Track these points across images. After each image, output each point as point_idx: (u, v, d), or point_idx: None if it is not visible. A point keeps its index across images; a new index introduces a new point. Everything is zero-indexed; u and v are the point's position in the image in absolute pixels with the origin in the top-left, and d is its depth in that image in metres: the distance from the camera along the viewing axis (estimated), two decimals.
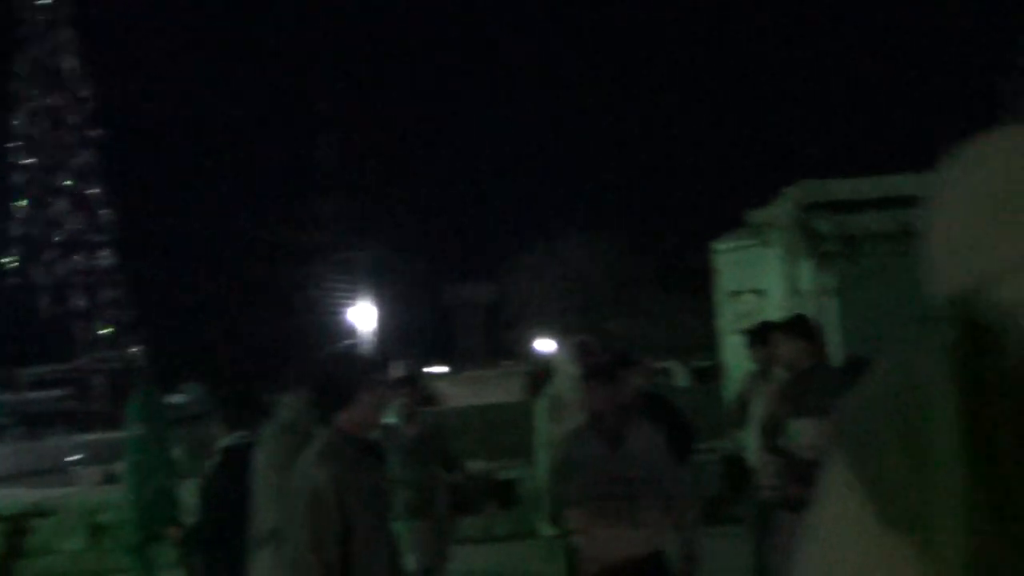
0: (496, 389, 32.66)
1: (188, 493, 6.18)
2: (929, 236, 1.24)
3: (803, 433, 4.53)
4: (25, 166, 61.06)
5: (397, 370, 5.16)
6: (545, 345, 44.14)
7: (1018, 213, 1.10)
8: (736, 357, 9.03)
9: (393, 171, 48.14)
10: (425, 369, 37.47)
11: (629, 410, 4.18)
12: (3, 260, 60.52)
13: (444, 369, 43.30)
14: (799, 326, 4.90)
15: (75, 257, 61.43)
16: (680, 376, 36.29)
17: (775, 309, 8.50)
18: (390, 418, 5.51)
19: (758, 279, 9.40)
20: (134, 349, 60.11)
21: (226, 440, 4.54)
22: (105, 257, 61.86)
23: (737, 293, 9.71)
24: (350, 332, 35.58)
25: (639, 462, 3.92)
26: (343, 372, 3.28)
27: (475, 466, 9.32)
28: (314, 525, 2.93)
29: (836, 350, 7.07)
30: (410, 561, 4.89)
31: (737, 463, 6.78)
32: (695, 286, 23.75)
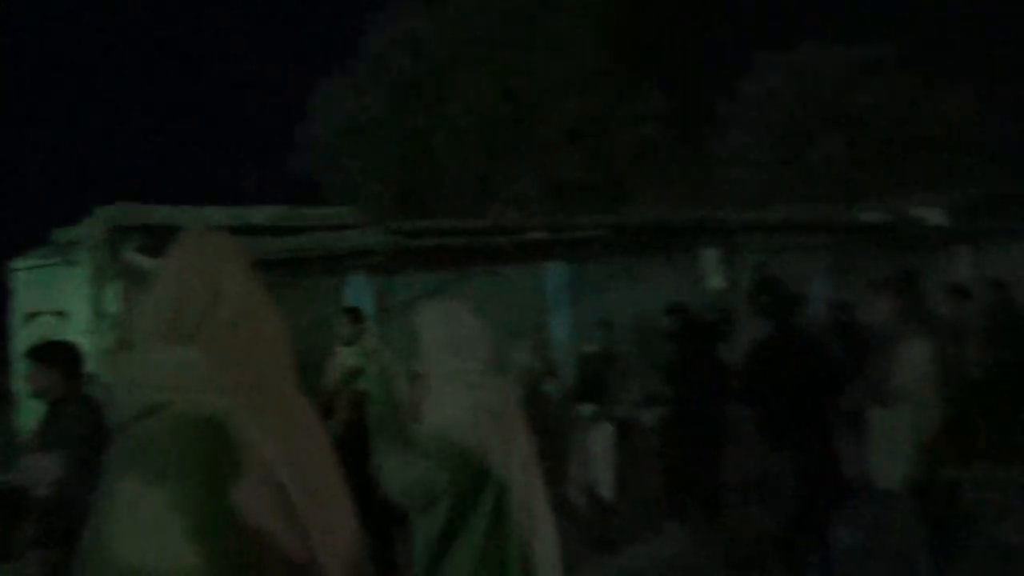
0: None
1: None
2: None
3: (35, 469, 4.08)
4: None
5: None
6: None
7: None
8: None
9: None
10: None
11: None
12: None
13: None
14: (46, 353, 4.36)
15: None
16: None
17: (79, 332, 8.05)
18: None
19: (61, 300, 8.81)
20: None
21: None
22: None
23: (35, 315, 8.97)
24: None
25: None
26: None
27: None
28: None
29: None
30: None
31: (15, 496, 6.16)
32: None
